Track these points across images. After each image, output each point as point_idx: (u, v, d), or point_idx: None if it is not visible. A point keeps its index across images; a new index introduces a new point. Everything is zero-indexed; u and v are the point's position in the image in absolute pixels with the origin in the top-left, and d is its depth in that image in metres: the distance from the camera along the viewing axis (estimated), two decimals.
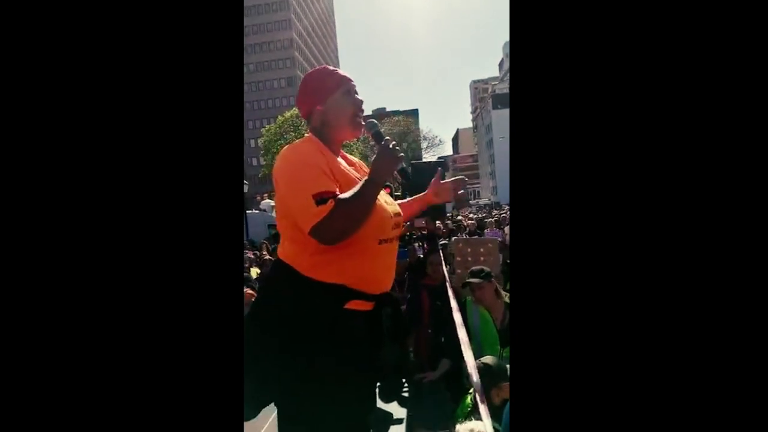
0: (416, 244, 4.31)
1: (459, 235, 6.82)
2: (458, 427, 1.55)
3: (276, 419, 1.17)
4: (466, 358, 1.30)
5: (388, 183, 1.48)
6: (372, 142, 1.29)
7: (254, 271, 5.04)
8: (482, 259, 3.04)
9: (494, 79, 71.44)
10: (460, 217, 10.34)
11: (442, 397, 2.27)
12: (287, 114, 25.29)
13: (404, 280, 3.54)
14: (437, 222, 4.02)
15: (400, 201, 1.49)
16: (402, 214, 1.31)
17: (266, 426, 2.03)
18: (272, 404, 1.19)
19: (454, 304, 1.82)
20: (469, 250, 3.15)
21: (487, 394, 1.60)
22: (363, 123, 1.25)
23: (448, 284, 2.35)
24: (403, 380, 2.56)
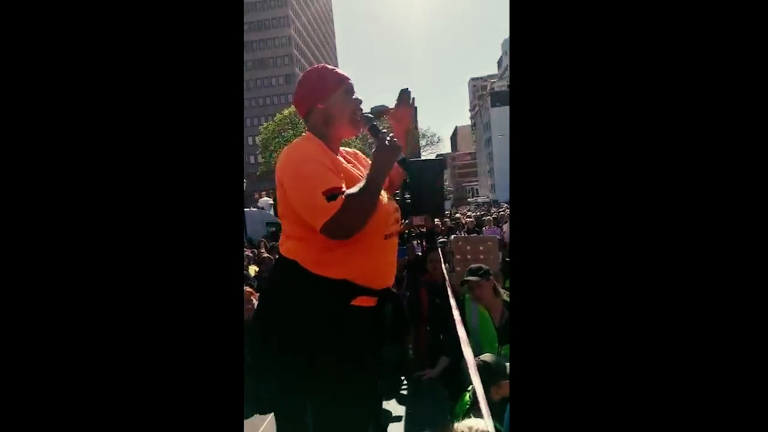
0: (415, 242, 4.31)
1: (457, 232, 6.83)
2: (457, 424, 1.55)
3: (273, 418, 1.17)
4: (465, 356, 1.31)
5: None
6: (370, 140, 1.29)
7: (252, 269, 5.04)
8: (482, 257, 3.05)
9: (493, 76, 71.39)
10: (458, 215, 10.35)
11: (440, 395, 2.28)
12: (285, 111, 25.20)
13: (402, 277, 3.54)
14: (436, 219, 4.02)
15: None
16: (399, 209, 1.31)
17: (264, 425, 2.04)
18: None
19: (453, 302, 1.82)
20: (468, 248, 3.15)
21: (486, 392, 1.60)
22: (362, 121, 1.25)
23: (447, 282, 2.35)
24: (402, 378, 2.57)
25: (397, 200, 1.39)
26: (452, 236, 4.12)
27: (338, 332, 1.14)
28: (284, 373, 1.15)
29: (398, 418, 2.18)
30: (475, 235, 6.60)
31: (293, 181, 1.13)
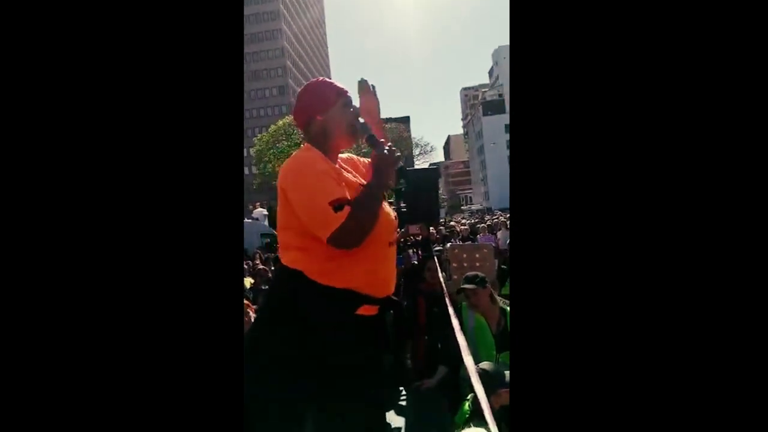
0: (410, 251, 4.31)
1: (452, 240, 6.84)
2: None
3: None
4: (467, 365, 1.30)
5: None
6: (365, 149, 1.31)
7: (247, 281, 4.99)
8: (478, 264, 3.05)
9: (484, 86, 72.21)
10: (452, 223, 10.38)
11: (439, 405, 2.26)
12: (280, 122, 25.29)
13: (399, 286, 3.53)
14: (431, 228, 4.02)
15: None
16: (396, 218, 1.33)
17: None
18: None
19: (451, 310, 1.82)
20: (464, 255, 3.16)
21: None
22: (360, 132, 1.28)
23: (445, 291, 2.35)
24: (400, 388, 2.55)
25: (393, 209, 1.40)
26: (448, 244, 4.13)
27: (344, 342, 1.14)
28: (290, 382, 1.14)
29: (397, 430, 2.16)
30: (470, 242, 6.61)
31: (298, 192, 1.15)
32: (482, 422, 1.72)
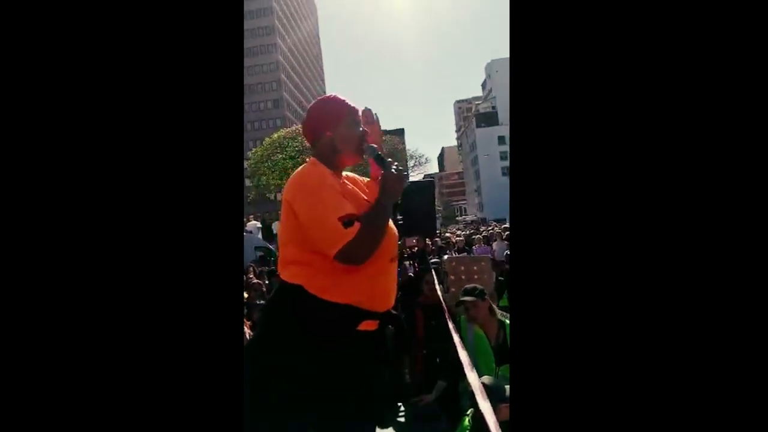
0: (407, 263, 4.29)
1: (448, 251, 6.83)
2: None
3: None
4: (470, 381, 1.28)
5: None
6: (363, 166, 1.34)
7: None
8: (476, 277, 3.04)
9: (477, 98, 73.11)
10: (448, 234, 10.38)
11: (438, 420, 2.22)
12: (274, 136, 25.35)
13: (396, 298, 3.49)
14: (427, 240, 4.02)
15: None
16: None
17: None
18: None
19: (452, 325, 1.80)
20: (462, 268, 3.14)
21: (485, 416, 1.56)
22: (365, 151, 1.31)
23: (444, 305, 2.33)
24: (399, 404, 2.51)
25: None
26: (445, 256, 4.12)
27: (346, 357, 1.14)
28: (289, 397, 1.13)
29: None
30: (466, 254, 6.61)
31: (307, 207, 1.15)
32: None
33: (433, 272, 2.94)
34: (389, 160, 1.23)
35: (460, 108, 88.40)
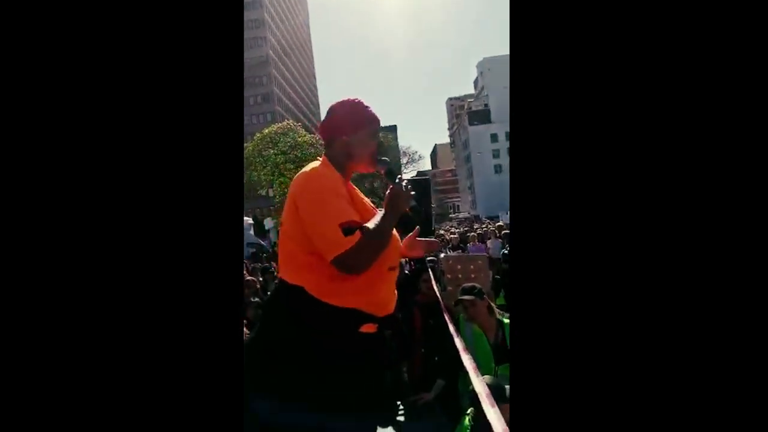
0: (402, 260, 4.28)
1: (443, 249, 6.84)
2: None
3: None
4: (477, 389, 1.28)
5: None
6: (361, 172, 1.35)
7: None
8: (472, 275, 3.04)
9: (469, 96, 73.35)
10: (442, 232, 10.40)
11: (438, 419, 2.22)
12: (265, 131, 25.11)
13: None
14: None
15: None
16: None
17: None
18: None
19: (452, 328, 1.79)
20: (459, 266, 3.14)
21: (485, 416, 1.56)
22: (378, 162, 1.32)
23: (441, 302, 2.32)
24: (398, 403, 2.50)
25: None
26: (441, 255, 4.11)
27: (347, 360, 1.13)
28: (290, 399, 1.12)
29: None
30: (460, 252, 6.62)
31: (311, 208, 1.13)
32: None
33: (430, 271, 2.93)
34: (400, 176, 1.23)
35: (452, 105, 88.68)
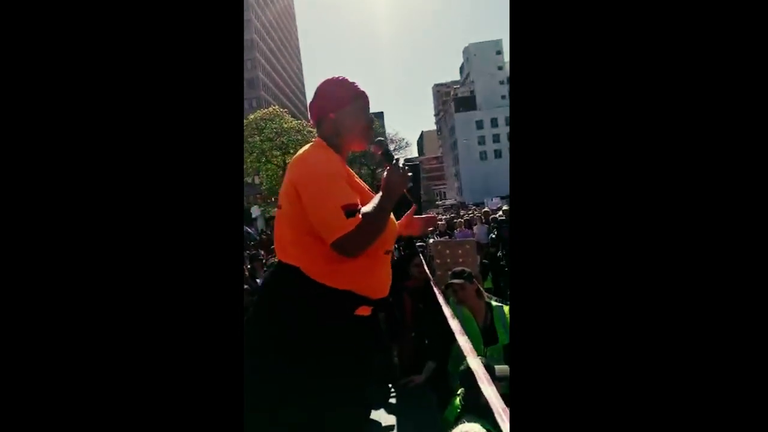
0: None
1: (431, 235, 6.88)
2: (453, 430, 1.54)
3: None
4: (473, 368, 1.30)
5: None
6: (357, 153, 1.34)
7: None
8: (461, 260, 3.07)
9: (456, 83, 73.02)
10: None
11: (429, 400, 2.27)
12: (251, 117, 24.62)
13: None
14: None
15: None
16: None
17: None
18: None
19: (447, 310, 1.82)
20: (447, 251, 3.17)
21: (476, 396, 1.60)
22: (372, 137, 1.31)
23: (433, 286, 2.34)
24: (389, 385, 2.54)
25: None
26: (430, 240, 4.14)
27: (342, 342, 1.14)
28: (284, 380, 1.14)
29: (390, 428, 2.15)
30: (451, 238, 6.68)
31: (312, 191, 1.12)
32: (474, 417, 1.73)
33: (420, 255, 2.95)
34: (397, 158, 1.22)
35: (438, 92, 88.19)
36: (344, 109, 1.24)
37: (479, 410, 1.68)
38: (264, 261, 4.96)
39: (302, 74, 75.88)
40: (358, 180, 1.30)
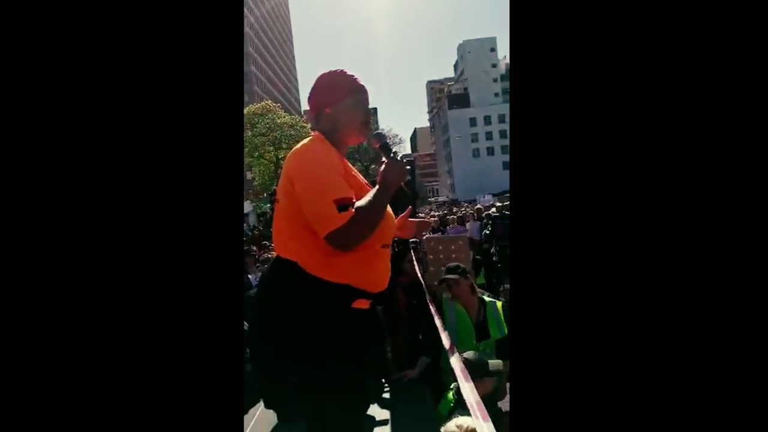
0: None
1: (424, 231, 6.87)
2: (447, 424, 1.55)
3: (261, 413, 1.15)
4: (452, 365, 1.31)
5: None
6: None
7: None
8: (453, 256, 3.09)
9: (449, 79, 72.98)
10: (422, 215, 10.46)
11: (422, 395, 2.28)
12: (243, 112, 24.41)
13: None
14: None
15: None
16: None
17: (252, 423, 1.98)
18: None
19: (433, 308, 1.83)
20: (440, 247, 3.18)
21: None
22: (370, 131, 1.30)
23: (422, 281, 2.36)
24: (383, 380, 2.55)
25: None
26: (424, 236, 4.15)
27: (340, 335, 1.14)
28: (283, 373, 1.15)
29: (384, 422, 2.16)
30: (440, 234, 6.70)
31: (305, 184, 1.12)
32: (467, 411, 1.75)
33: (412, 251, 2.96)
34: (395, 150, 1.21)
35: (432, 88, 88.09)
36: (341, 103, 1.23)
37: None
38: (256, 257, 4.93)
39: (295, 69, 75.31)
40: (357, 174, 1.29)
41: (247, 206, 13.17)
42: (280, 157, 21.50)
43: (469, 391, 1.23)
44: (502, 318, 2.40)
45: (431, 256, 3.20)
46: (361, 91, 1.26)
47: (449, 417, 1.73)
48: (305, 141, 1.22)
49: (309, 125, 1.32)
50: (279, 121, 23.48)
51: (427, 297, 2.05)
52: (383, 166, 1.16)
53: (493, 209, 7.80)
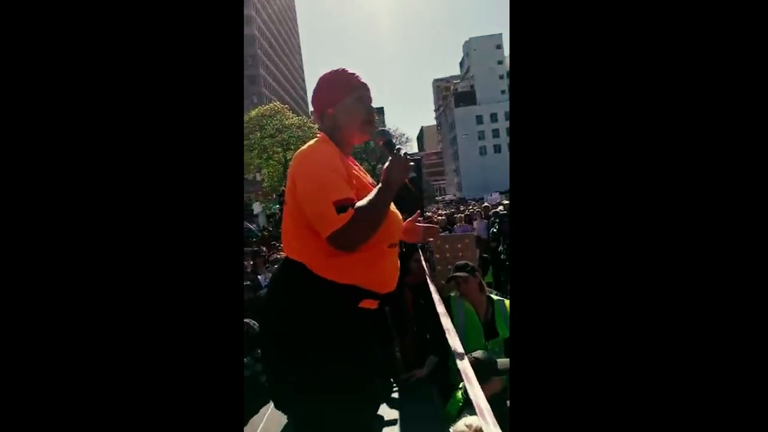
0: None
1: None
2: (456, 424, 1.55)
3: (271, 413, 1.16)
4: (461, 368, 1.30)
5: None
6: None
7: None
8: (460, 254, 3.08)
9: (455, 77, 72.69)
10: (429, 214, 10.45)
11: (430, 394, 2.28)
12: (252, 113, 24.55)
13: None
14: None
15: None
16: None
17: (263, 424, 1.99)
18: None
19: (441, 309, 1.82)
20: (447, 246, 3.17)
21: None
22: (374, 129, 1.28)
23: (429, 280, 2.35)
24: (391, 380, 2.55)
25: None
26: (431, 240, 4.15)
27: (340, 335, 1.14)
28: (284, 373, 1.15)
29: (393, 422, 2.16)
30: (448, 232, 6.69)
31: (307, 185, 1.12)
32: (476, 411, 1.74)
33: (420, 251, 2.96)
34: (399, 147, 1.19)
35: (438, 87, 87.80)
36: (342, 102, 1.23)
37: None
38: (266, 257, 4.97)
39: (303, 70, 75.58)
40: (361, 173, 1.28)
41: (257, 207, 13.26)
42: (288, 158, 21.62)
43: (478, 395, 1.22)
44: None
45: (438, 255, 3.19)
46: (361, 89, 1.25)
47: (458, 416, 1.72)
48: (310, 142, 1.22)
49: (316, 126, 1.31)
50: (287, 122, 23.61)
51: (437, 304, 2.05)
52: (387, 164, 1.15)
53: (501, 207, 7.75)
